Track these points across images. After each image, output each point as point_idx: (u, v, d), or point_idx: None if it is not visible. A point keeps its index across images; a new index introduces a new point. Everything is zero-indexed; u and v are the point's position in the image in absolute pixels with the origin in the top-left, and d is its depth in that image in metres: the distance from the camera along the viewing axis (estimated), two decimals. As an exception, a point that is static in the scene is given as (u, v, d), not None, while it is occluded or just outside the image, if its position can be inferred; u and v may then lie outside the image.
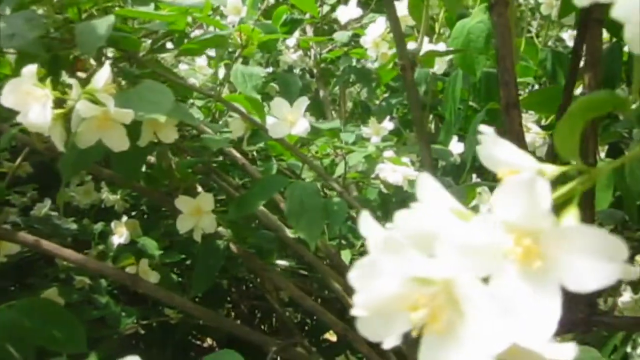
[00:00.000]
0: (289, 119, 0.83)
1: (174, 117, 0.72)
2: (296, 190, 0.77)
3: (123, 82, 0.74)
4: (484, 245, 0.23)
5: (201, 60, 1.26)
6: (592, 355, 0.55)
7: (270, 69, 1.45)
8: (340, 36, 1.38)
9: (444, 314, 0.24)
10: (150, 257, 1.10)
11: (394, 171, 0.98)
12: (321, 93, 1.45)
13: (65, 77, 0.73)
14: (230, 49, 1.28)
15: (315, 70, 1.49)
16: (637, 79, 0.48)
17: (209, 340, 1.55)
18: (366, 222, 0.27)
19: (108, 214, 1.24)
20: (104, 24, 0.64)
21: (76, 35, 0.65)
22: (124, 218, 1.14)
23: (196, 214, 0.84)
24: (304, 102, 0.83)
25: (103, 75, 0.60)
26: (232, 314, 1.58)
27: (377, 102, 1.53)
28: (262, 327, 1.61)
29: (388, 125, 1.10)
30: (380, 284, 0.25)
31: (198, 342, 1.54)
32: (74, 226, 1.22)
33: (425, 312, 0.24)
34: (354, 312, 0.25)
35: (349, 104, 1.60)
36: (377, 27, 1.26)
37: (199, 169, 0.98)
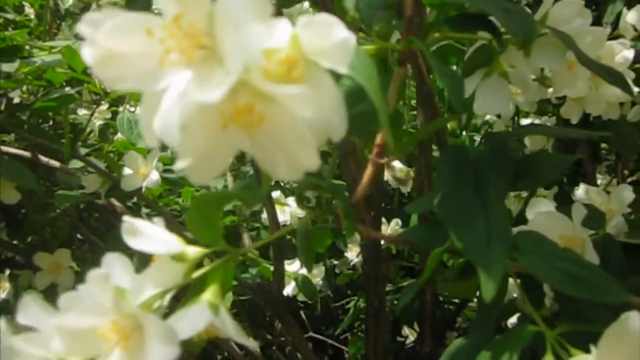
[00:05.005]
0: (141, 172, 0.86)
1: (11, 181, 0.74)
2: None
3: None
4: (79, 328, 0.27)
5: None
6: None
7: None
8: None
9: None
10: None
11: (282, 211, 1.02)
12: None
13: None
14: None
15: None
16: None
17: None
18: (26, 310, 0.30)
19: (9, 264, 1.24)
20: None
21: None
22: (7, 272, 1.15)
23: (55, 269, 0.86)
24: (155, 155, 0.87)
25: None
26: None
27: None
28: None
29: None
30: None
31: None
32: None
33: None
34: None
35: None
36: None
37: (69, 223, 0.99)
